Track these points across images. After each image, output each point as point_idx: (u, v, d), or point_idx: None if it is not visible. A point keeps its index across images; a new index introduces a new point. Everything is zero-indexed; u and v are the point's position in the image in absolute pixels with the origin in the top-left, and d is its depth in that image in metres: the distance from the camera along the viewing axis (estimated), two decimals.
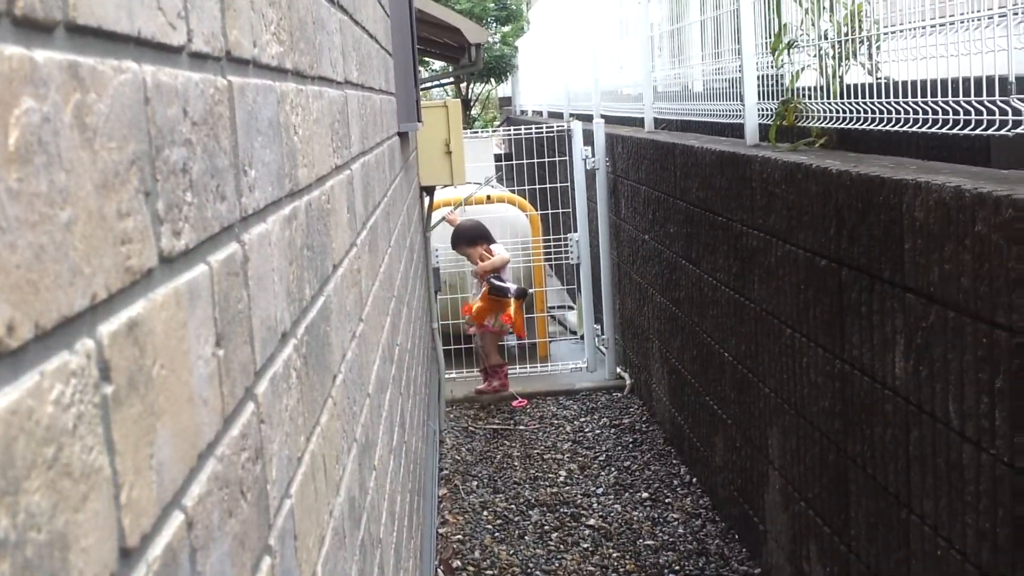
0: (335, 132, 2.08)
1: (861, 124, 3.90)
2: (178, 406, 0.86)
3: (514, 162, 10.24)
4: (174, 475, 0.84)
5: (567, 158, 8.71)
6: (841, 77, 4.22)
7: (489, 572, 4.96)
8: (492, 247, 7.64)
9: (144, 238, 0.81)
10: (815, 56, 4.44)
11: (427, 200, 6.95)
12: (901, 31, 3.71)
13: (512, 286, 7.58)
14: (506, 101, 26.79)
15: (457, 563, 5.04)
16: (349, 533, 1.83)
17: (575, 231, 8.39)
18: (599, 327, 8.38)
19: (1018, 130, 2.88)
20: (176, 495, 0.84)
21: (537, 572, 4.94)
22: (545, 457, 6.51)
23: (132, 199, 0.79)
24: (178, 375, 0.87)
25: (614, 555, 5.08)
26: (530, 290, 8.11)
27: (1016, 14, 2.92)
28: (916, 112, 3.44)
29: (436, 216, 7.52)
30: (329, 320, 1.79)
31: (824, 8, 4.29)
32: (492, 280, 7.53)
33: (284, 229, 1.41)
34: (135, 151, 0.80)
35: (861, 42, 4.07)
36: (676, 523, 5.37)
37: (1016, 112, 2.88)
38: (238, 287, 1.11)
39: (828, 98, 4.26)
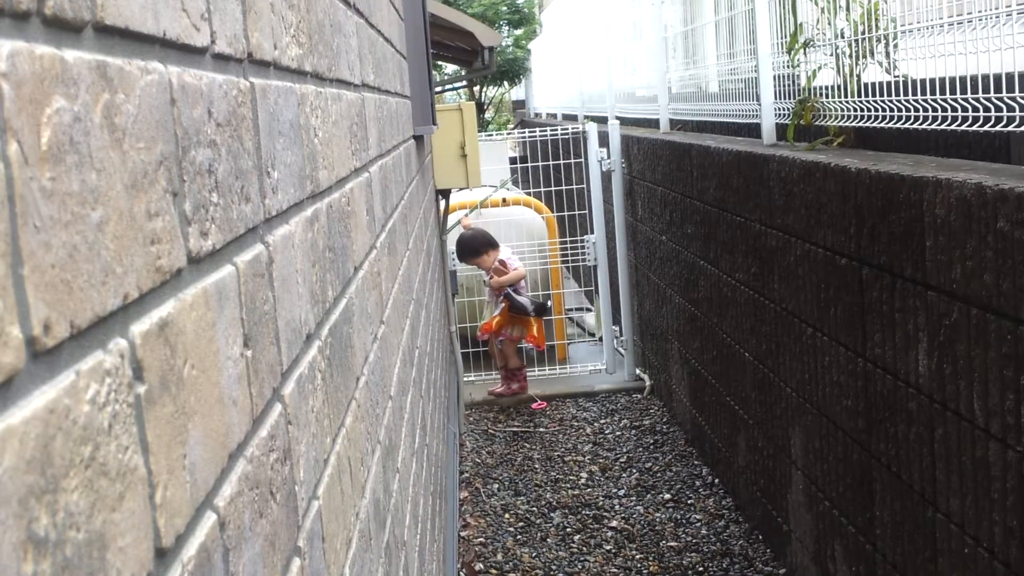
0: (353, 135, 2.08)
1: (879, 122, 3.89)
2: (209, 406, 0.86)
3: (529, 164, 10.24)
4: (206, 475, 0.84)
5: (582, 160, 8.71)
6: (858, 76, 4.21)
7: (512, 575, 4.95)
8: (508, 260, 7.60)
9: (173, 238, 0.81)
10: (831, 55, 4.43)
11: (443, 203, 6.95)
12: (918, 28, 3.69)
13: (530, 304, 7.55)
14: (520, 104, 26.80)
15: (480, 566, 5.04)
16: (375, 535, 1.83)
17: (591, 233, 8.39)
18: (617, 328, 8.37)
19: None
20: (208, 495, 0.84)
21: (560, 574, 4.93)
22: (566, 459, 6.50)
23: (160, 199, 0.79)
24: (208, 375, 0.87)
25: (637, 557, 5.07)
26: (548, 303, 8.09)
27: None
28: (935, 110, 3.43)
29: (452, 219, 7.52)
30: (351, 322, 1.78)
31: (840, 7, 4.28)
32: (513, 297, 7.50)
33: (307, 231, 1.41)
34: (163, 152, 0.80)
35: (878, 40, 4.05)
36: (699, 524, 5.36)
37: None
38: (264, 288, 1.11)
39: (845, 97, 4.25)
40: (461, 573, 4.87)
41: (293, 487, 1.17)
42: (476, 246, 7.63)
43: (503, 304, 7.54)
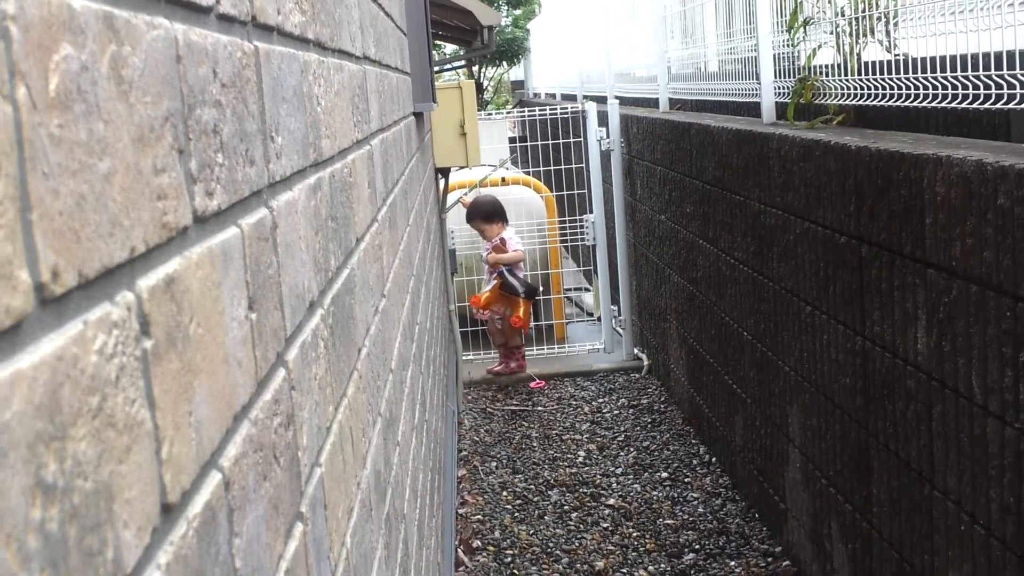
0: (355, 106, 2.07)
1: (879, 101, 3.88)
2: (214, 366, 0.86)
3: (528, 144, 10.22)
4: (211, 434, 0.84)
5: (582, 139, 8.69)
6: (858, 54, 4.20)
7: (509, 552, 4.96)
8: (509, 240, 7.59)
9: (179, 195, 0.81)
10: (831, 33, 4.42)
11: (442, 182, 6.94)
12: (919, 6, 3.68)
13: (522, 286, 7.55)
14: (518, 84, 26.74)
15: (477, 543, 5.05)
16: (375, 506, 1.83)
17: (590, 212, 8.38)
18: (616, 308, 8.37)
19: None
20: (214, 454, 0.84)
21: (557, 552, 4.94)
22: (564, 438, 6.51)
23: (167, 155, 0.78)
24: (214, 335, 0.87)
25: (634, 534, 5.08)
26: (540, 287, 8.09)
27: None
28: (935, 88, 3.42)
29: (451, 198, 7.51)
30: (353, 293, 1.78)
31: None
32: (505, 276, 7.50)
33: (310, 198, 1.40)
34: (169, 108, 0.80)
35: (878, 19, 4.04)
36: (696, 502, 5.37)
37: None
38: (268, 252, 1.10)
39: (845, 75, 4.24)
40: (459, 549, 4.88)
41: (296, 452, 1.17)
42: (490, 211, 7.62)
43: (495, 281, 7.55)
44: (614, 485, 5.69)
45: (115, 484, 0.62)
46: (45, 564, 0.52)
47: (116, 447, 0.62)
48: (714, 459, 5.86)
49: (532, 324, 8.40)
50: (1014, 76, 2.96)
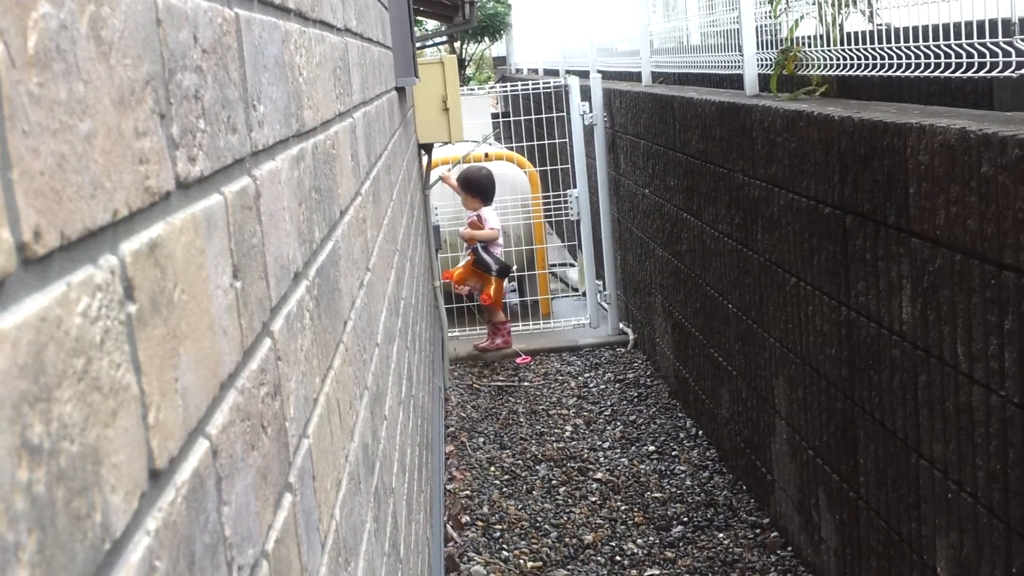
0: (337, 78, 2.06)
1: (862, 71, 3.88)
2: (199, 333, 0.85)
3: (512, 119, 10.19)
4: (198, 401, 0.83)
5: (565, 114, 8.67)
6: (840, 24, 4.19)
7: (498, 527, 4.97)
8: (486, 218, 7.57)
9: (161, 160, 0.80)
10: (813, 4, 4.41)
11: (425, 158, 6.92)
12: None
13: (495, 264, 7.54)
14: (501, 60, 26.65)
15: (466, 518, 5.05)
16: (364, 479, 1.83)
17: (574, 187, 8.37)
18: (601, 283, 8.37)
19: (1022, 71, 2.86)
20: (201, 422, 0.83)
21: (546, 526, 4.95)
22: (551, 413, 6.52)
23: (148, 119, 0.77)
24: (198, 302, 0.86)
25: (622, 508, 5.09)
26: (513, 267, 8.07)
27: None
28: (917, 57, 3.42)
29: (435, 174, 7.49)
30: (338, 265, 1.78)
31: None
32: (480, 252, 7.49)
33: (293, 169, 1.40)
34: (149, 71, 0.79)
35: None
36: (683, 475, 5.39)
37: (1020, 53, 2.86)
38: (252, 221, 1.10)
39: (828, 46, 4.24)
40: (448, 525, 4.88)
41: (284, 423, 1.16)
42: (479, 184, 7.59)
43: (469, 257, 7.55)
44: (601, 459, 5.71)
45: (102, 448, 0.61)
46: (32, 525, 0.51)
47: (102, 411, 0.62)
48: (701, 432, 5.87)
49: (518, 300, 8.41)
50: (996, 44, 2.96)
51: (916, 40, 3.43)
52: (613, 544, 4.75)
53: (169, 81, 0.84)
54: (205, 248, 0.90)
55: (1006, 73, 2.93)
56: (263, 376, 1.07)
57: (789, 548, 4.44)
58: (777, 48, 4.74)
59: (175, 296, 0.79)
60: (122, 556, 0.63)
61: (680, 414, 6.23)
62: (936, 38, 3.29)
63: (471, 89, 10.41)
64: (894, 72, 3.59)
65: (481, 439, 6.14)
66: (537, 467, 5.66)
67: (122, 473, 0.64)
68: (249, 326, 1.04)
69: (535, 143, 9.12)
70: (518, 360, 7.60)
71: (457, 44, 24.63)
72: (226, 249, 0.97)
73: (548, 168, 8.96)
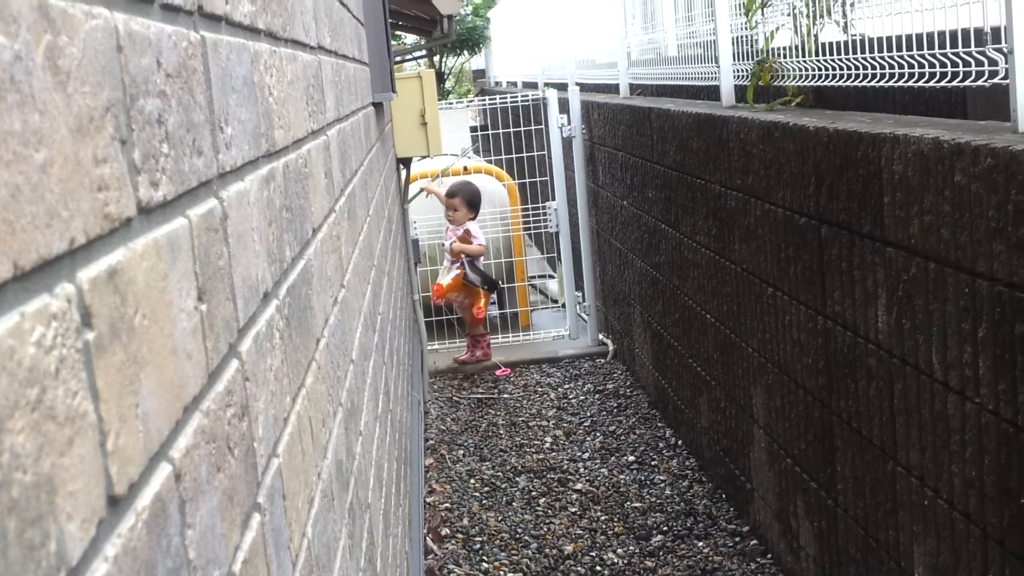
0: (310, 96, 2.06)
1: (837, 81, 3.90)
2: (162, 358, 0.85)
3: (490, 132, 10.20)
4: (160, 426, 0.83)
5: (543, 127, 8.68)
6: (816, 35, 4.21)
7: (478, 539, 4.97)
8: (474, 234, 7.57)
9: (121, 186, 0.80)
10: (789, 15, 4.43)
11: (404, 173, 6.91)
12: None
13: (481, 279, 7.53)
14: (480, 74, 26.68)
15: (446, 531, 5.05)
16: (338, 496, 1.83)
17: (553, 199, 8.38)
18: (580, 294, 8.38)
19: (995, 80, 2.88)
20: (163, 446, 0.83)
21: (526, 537, 4.95)
22: (530, 424, 6.52)
23: (108, 146, 0.78)
24: (161, 326, 0.86)
25: (602, 518, 5.10)
26: (500, 282, 8.08)
27: None
28: (892, 67, 3.44)
29: (414, 188, 7.49)
30: (311, 283, 1.78)
31: None
32: (467, 270, 7.47)
33: (262, 189, 1.40)
34: (109, 98, 0.79)
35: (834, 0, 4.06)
36: (663, 485, 5.39)
37: (992, 62, 2.88)
38: (218, 243, 1.10)
39: (803, 57, 4.26)
40: (427, 538, 4.88)
41: (252, 443, 1.16)
42: (471, 197, 7.58)
43: (458, 271, 7.53)
44: (581, 470, 5.71)
45: (57, 477, 0.61)
46: None
47: (57, 440, 0.62)
48: (680, 442, 5.88)
49: (497, 312, 8.42)
50: (968, 54, 2.97)
51: (890, 50, 3.45)
52: (593, 554, 4.75)
53: (131, 107, 0.85)
54: (168, 272, 0.90)
55: (979, 83, 2.94)
56: (229, 398, 1.07)
57: (769, 556, 4.45)
58: (753, 59, 4.76)
59: (136, 321, 0.80)
60: None
61: (659, 424, 6.24)
62: (910, 48, 3.31)
63: (450, 103, 10.42)
64: (869, 82, 3.61)
65: (461, 451, 6.13)
66: (517, 479, 5.66)
67: (79, 501, 0.64)
68: (215, 348, 1.04)
69: (514, 156, 9.13)
70: (498, 372, 7.60)
71: (436, 58, 24.65)
72: (190, 272, 0.97)
73: (527, 180, 8.97)
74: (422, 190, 7.78)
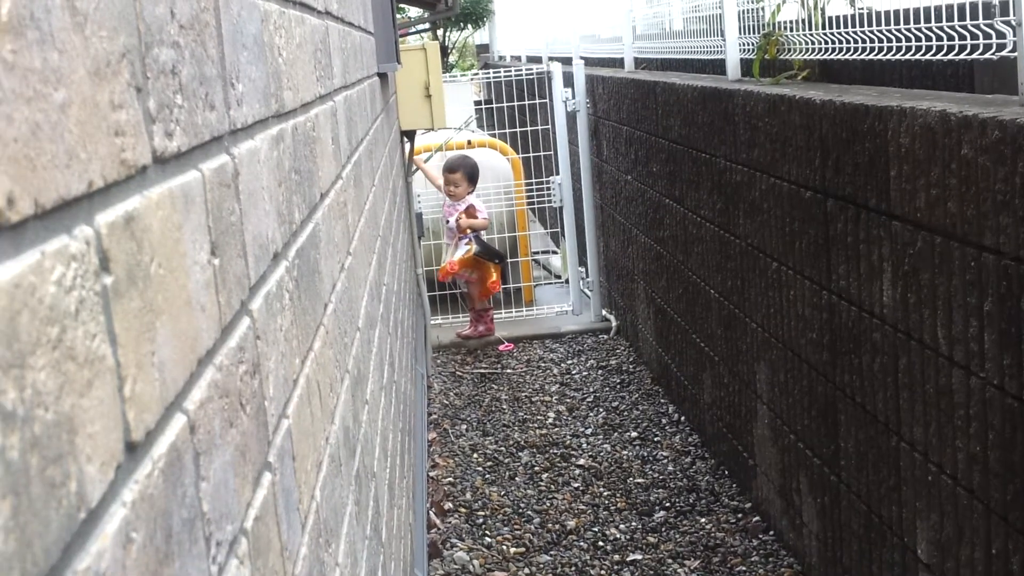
0: (318, 60, 2.06)
1: (843, 55, 3.89)
2: (176, 308, 0.85)
3: (494, 106, 10.18)
4: (175, 376, 0.83)
5: (547, 101, 8.66)
6: (822, 8, 4.20)
7: (481, 513, 4.98)
8: (478, 208, 7.55)
9: (137, 133, 0.79)
10: None
11: (408, 145, 6.90)
12: None
13: (495, 252, 7.53)
14: (483, 48, 26.59)
15: (449, 505, 5.06)
16: (345, 462, 1.83)
17: (557, 174, 8.36)
18: (583, 270, 8.38)
19: (1002, 53, 2.86)
20: (178, 397, 0.83)
21: (529, 512, 4.96)
22: (533, 399, 6.52)
23: (124, 92, 0.77)
24: (175, 277, 0.86)
25: (605, 493, 5.10)
26: (504, 253, 8.07)
27: None
28: (899, 40, 3.42)
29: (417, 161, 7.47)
30: (318, 247, 1.77)
31: None
32: (480, 242, 7.44)
33: (272, 149, 1.39)
34: (125, 44, 0.79)
35: None
36: (666, 461, 5.40)
37: (1000, 35, 2.87)
38: (230, 199, 1.09)
39: (810, 30, 4.24)
40: (431, 512, 4.89)
41: (263, 402, 1.16)
42: (472, 171, 7.55)
43: (468, 247, 7.49)
44: (584, 445, 5.72)
45: (77, 417, 0.61)
46: (6, 491, 0.51)
47: (77, 380, 0.62)
48: (683, 418, 5.88)
49: (500, 287, 8.42)
50: (976, 27, 2.96)
51: (897, 23, 3.43)
52: (596, 530, 4.76)
53: (146, 55, 0.84)
54: (182, 224, 0.89)
55: (986, 56, 2.93)
56: (241, 354, 1.07)
57: (771, 532, 4.45)
58: (759, 33, 4.74)
59: (152, 270, 0.79)
60: (98, 526, 0.63)
61: (662, 400, 6.24)
62: (917, 21, 3.29)
63: (454, 76, 10.39)
64: (875, 56, 3.59)
65: (464, 426, 6.14)
66: (520, 454, 5.66)
67: (98, 443, 0.64)
68: (227, 303, 1.03)
69: (518, 130, 9.11)
70: (501, 347, 7.60)
71: (440, 31, 24.59)
72: (204, 226, 0.97)
73: (531, 155, 8.95)
74: (417, 166, 7.75)
